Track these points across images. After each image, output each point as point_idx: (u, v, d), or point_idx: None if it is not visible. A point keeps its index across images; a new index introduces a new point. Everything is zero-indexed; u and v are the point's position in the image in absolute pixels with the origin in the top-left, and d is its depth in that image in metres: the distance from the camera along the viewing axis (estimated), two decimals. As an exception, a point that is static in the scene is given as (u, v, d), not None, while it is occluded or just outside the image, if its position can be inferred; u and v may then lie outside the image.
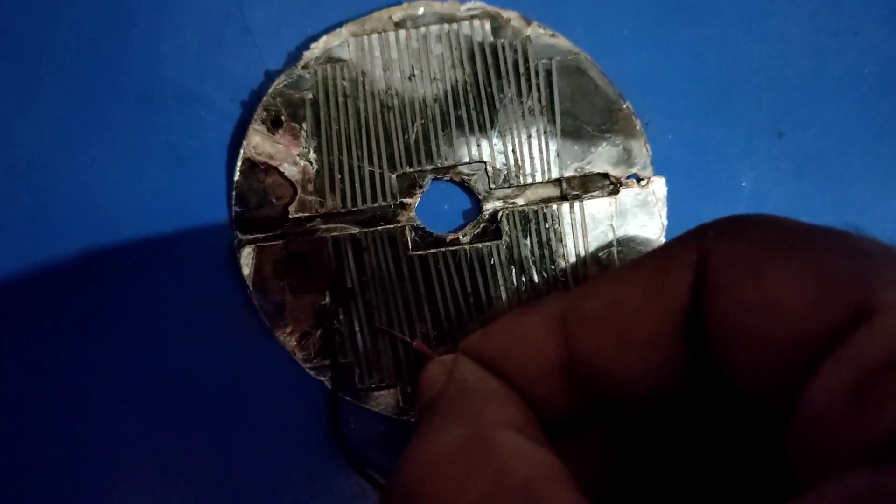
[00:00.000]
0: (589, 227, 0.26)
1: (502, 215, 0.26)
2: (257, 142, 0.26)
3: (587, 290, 0.20)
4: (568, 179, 0.26)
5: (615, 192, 0.26)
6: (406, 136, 0.26)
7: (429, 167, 0.26)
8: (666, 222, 0.26)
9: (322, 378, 0.25)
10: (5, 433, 0.25)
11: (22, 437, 0.25)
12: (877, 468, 0.12)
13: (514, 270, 0.25)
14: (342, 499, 0.26)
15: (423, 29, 0.26)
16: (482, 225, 0.26)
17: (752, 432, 0.19)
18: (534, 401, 0.20)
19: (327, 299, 0.25)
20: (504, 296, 0.25)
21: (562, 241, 0.26)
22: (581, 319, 0.20)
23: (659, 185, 0.26)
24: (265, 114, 0.26)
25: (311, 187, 0.26)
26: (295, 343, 0.25)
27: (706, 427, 0.20)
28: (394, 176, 0.26)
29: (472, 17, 0.26)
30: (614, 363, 0.19)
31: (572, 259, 0.25)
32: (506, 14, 0.26)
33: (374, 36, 0.26)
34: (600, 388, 0.19)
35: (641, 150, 0.26)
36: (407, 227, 0.26)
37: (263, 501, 0.26)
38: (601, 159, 0.26)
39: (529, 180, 0.26)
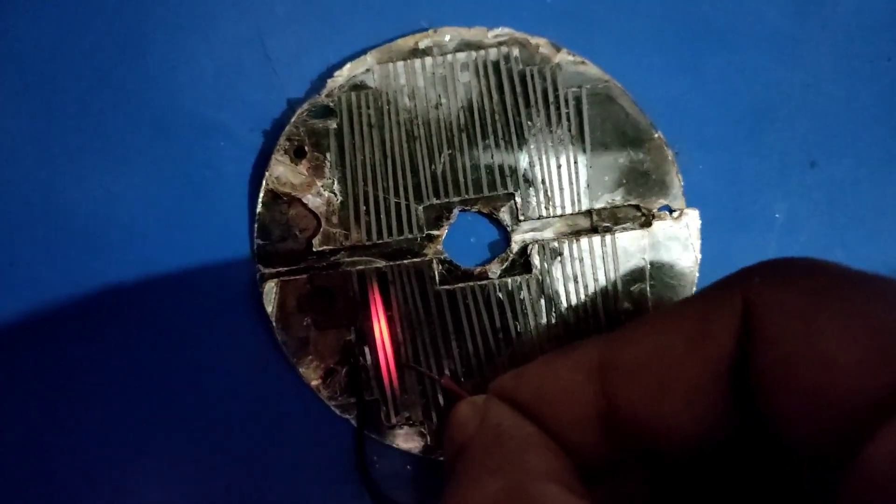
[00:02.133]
0: (621, 260, 0.25)
1: (532, 248, 0.25)
2: (280, 172, 0.25)
3: (625, 337, 0.19)
4: (598, 211, 0.25)
5: (647, 224, 0.25)
6: (433, 167, 0.25)
7: (456, 199, 0.25)
8: (700, 255, 0.25)
9: (347, 416, 0.25)
10: (26, 473, 0.25)
11: (44, 466, 0.25)
12: None
13: (544, 305, 0.25)
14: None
15: (449, 56, 0.25)
16: (511, 258, 0.25)
17: (797, 485, 0.19)
18: (569, 447, 0.20)
19: (352, 335, 0.24)
20: (534, 331, 0.25)
21: (593, 275, 0.25)
22: (620, 367, 0.19)
23: (693, 218, 0.25)
24: (288, 143, 0.25)
25: (335, 219, 0.25)
26: (319, 380, 0.25)
27: (747, 476, 0.20)
28: (420, 208, 0.25)
29: (499, 44, 0.25)
30: (655, 413, 0.18)
31: (604, 294, 0.25)
32: (534, 41, 0.25)
33: (400, 63, 0.25)
34: (639, 437, 0.19)
35: (673, 180, 0.25)
36: (434, 261, 0.25)
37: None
38: (632, 190, 0.25)
39: (559, 212, 0.25)
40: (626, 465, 0.20)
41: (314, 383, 0.25)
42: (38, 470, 0.25)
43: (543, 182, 0.25)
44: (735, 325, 0.17)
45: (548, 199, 0.25)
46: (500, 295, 0.25)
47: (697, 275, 0.25)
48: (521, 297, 0.25)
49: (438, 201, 0.25)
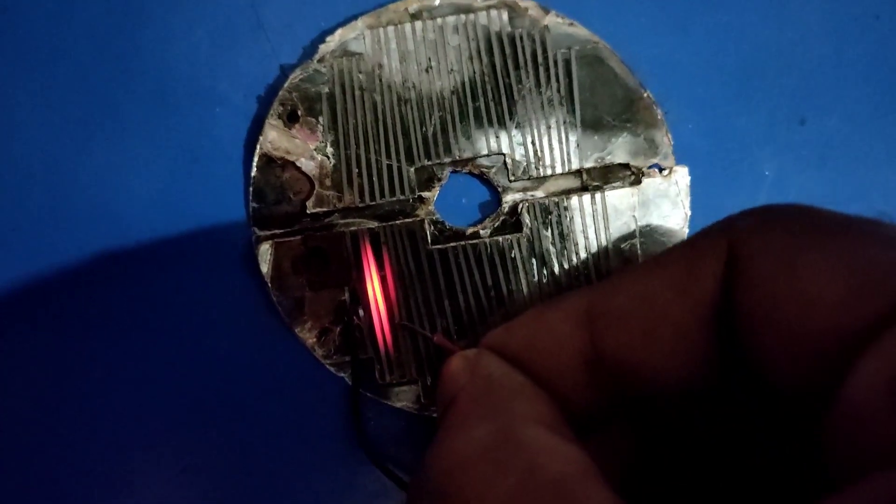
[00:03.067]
0: (611, 218, 0.25)
1: (522, 208, 0.25)
2: (274, 137, 0.25)
3: (612, 285, 0.20)
4: (588, 170, 0.26)
5: (637, 182, 0.25)
6: (424, 129, 0.25)
7: (447, 160, 0.25)
8: (689, 212, 0.25)
9: (342, 374, 0.25)
10: (25, 432, 0.25)
11: (42, 436, 0.25)
12: None
13: (535, 263, 0.25)
14: (363, 495, 0.25)
15: (439, 20, 0.25)
16: (502, 218, 0.26)
17: (782, 428, 0.19)
18: (558, 396, 0.20)
19: (346, 295, 0.25)
20: (525, 289, 0.25)
21: (583, 233, 0.25)
22: (607, 315, 0.19)
23: (682, 175, 0.25)
24: (281, 109, 0.25)
25: (328, 182, 0.25)
26: (314, 339, 0.25)
27: (733, 422, 0.20)
28: (412, 169, 0.25)
29: (488, 7, 0.25)
30: (641, 358, 0.19)
31: (594, 251, 0.25)
32: (523, 3, 0.25)
33: (391, 28, 0.25)
34: (626, 384, 0.19)
35: (663, 139, 0.26)
36: (426, 221, 0.25)
37: (284, 497, 0.25)
38: (622, 150, 0.26)
39: (549, 172, 0.25)
40: (613, 420, 0.21)
41: (309, 343, 0.25)
42: (37, 423, 0.25)
43: (533, 143, 0.25)
44: (719, 269, 0.17)
45: (538, 159, 0.25)
46: (492, 254, 0.25)
47: (687, 232, 0.25)
48: (513, 255, 0.25)
49: (430, 163, 0.25)
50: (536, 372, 0.20)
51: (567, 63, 0.25)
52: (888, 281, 0.14)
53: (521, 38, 0.25)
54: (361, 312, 0.25)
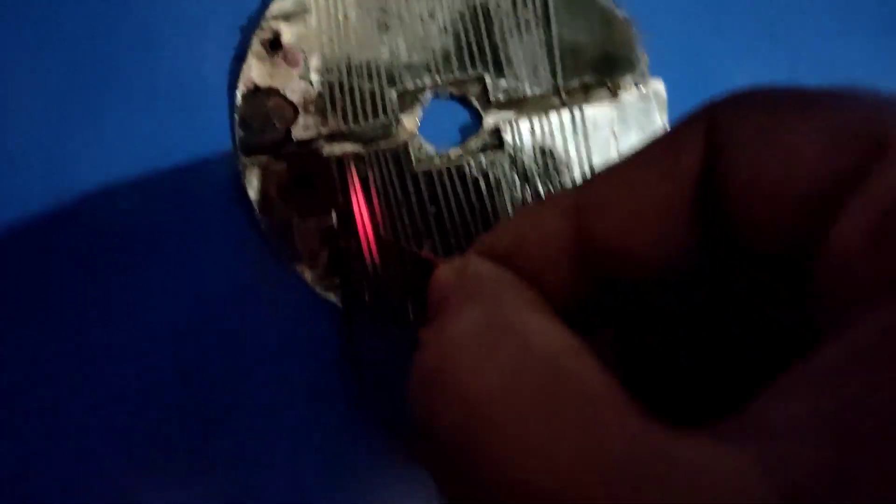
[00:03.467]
0: (590, 133, 0.26)
1: (503, 127, 0.26)
2: (257, 66, 0.26)
3: (598, 178, 0.20)
4: (567, 89, 0.26)
5: (615, 97, 0.26)
6: (404, 54, 0.26)
7: (428, 83, 0.26)
8: (667, 125, 0.26)
9: (332, 297, 0.25)
10: (14, 364, 0.25)
11: (32, 369, 0.26)
12: None
13: (518, 181, 0.26)
14: (356, 415, 0.26)
15: (415, -54, 0.26)
16: (484, 138, 0.26)
17: (765, 301, 0.19)
18: (546, 293, 0.20)
19: (333, 219, 0.25)
20: (509, 207, 0.25)
21: (564, 149, 0.26)
22: (593, 205, 0.20)
23: (658, 87, 0.26)
24: (264, 38, 0.26)
25: (312, 108, 0.26)
26: (303, 263, 0.25)
27: (716, 305, 0.20)
28: (394, 94, 0.26)
29: (463, -68, 0.26)
30: (627, 243, 0.19)
31: (576, 167, 0.26)
32: (497, -73, 0.26)
33: (368, -45, 0.26)
34: (614, 268, 0.19)
35: (639, 57, 0.26)
36: (409, 144, 0.26)
37: (276, 421, 0.26)
38: (599, 68, 0.26)
39: (528, 92, 0.26)
40: (597, 330, 0.21)
41: (298, 267, 0.25)
42: (27, 358, 0.26)
43: (511, 65, 0.26)
44: (700, 146, 0.18)
45: (517, 80, 0.26)
46: (475, 173, 0.26)
47: (666, 143, 0.26)
48: (496, 173, 0.26)
49: (412, 87, 0.26)
50: (525, 269, 0.20)
51: (543, -15, 0.26)
52: (866, 130, 0.15)
53: (497, -39, 0.26)
54: (349, 235, 0.25)
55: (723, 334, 0.20)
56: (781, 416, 0.12)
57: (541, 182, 0.26)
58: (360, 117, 0.26)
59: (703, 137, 0.18)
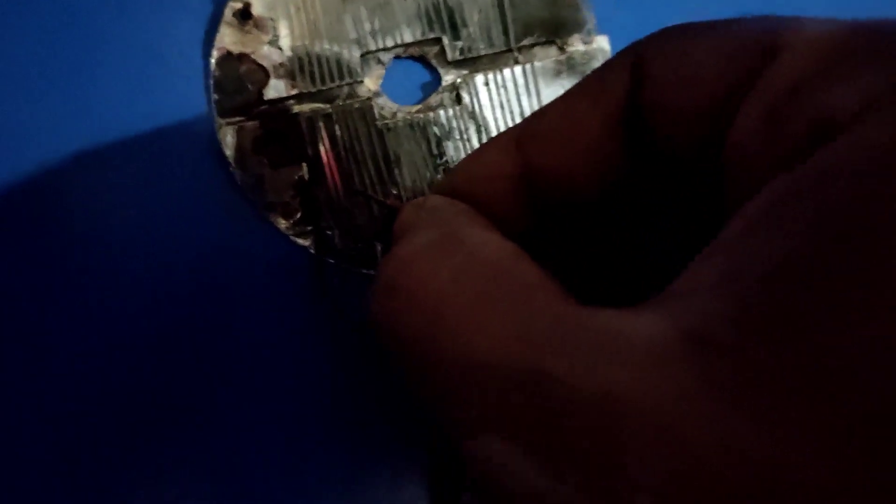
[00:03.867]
0: (541, 86, 0.28)
1: (461, 84, 0.28)
2: (229, 33, 0.28)
3: (538, 113, 0.22)
4: (520, 48, 0.28)
5: (562, 52, 0.28)
6: (367, 18, 0.28)
7: (390, 45, 0.28)
8: (611, 75, 0.28)
9: (305, 243, 0.27)
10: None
11: (13, 329, 0.27)
12: (789, 171, 0.13)
13: (474, 132, 0.28)
14: (334, 357, 0.27)
15: (374, -80, 0.28)
16: (443, 95, 0.28)
17: (692, 207, 0.21)
18: (497, 221, 0.22)
19: (304, 170, 0.27)
20: (468, 156, 0.27)
21: (518, 102, 0.28)
22: (533, 137, 0.22)
23: (602, 42, 0.28)
24: (235, 7, 0.28)
25: (282, 71, 0.28)
26: (277, 212, 0.27)
27: (646, 216, 0.22)
28: (358, 56, 0.28)
29: None
30: (564, 165, 0.21)
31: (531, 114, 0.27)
32: None
33: (330, -71, 0.28)
34: (554, 193, 0.21)
35: (586, 17, 0.28)
36: (373, 101, 0.28)
37: (257, 369, 0.27)
38: (550, 28, 0.28)
39: (483, 52, 0.28)
40: (542, 246, 0.23)
41: (272, 216, 0.27)
42: (9, 318, 0.27)
43: (466, 26, 0.28)
44: (625, 76, 0.20)
45: (472, 40, 0.28)
46: (435, 126, 0.28)
47: (611, 93, 0.28)
48: (455, 125, 0.28)
49: (374, 49, 0.28)
50: (477, 202, 0.22)
51: (493, -47, 0.28)
52: (759, 37, 0.17)
53: (450, -68, 0.28)
54: (319, 185, 0.27)
55: (656, 239, 0.22)
56: (688, 285, 0.14)
57: (496, 131, 0.27)
58: (327, 79, 0.28)
59: (628, 68, 0.20)
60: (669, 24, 0.28)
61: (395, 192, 0.27)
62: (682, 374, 0.11)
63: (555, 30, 0.28)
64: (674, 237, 0.21)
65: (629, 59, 0.20)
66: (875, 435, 0.10)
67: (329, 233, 0.27)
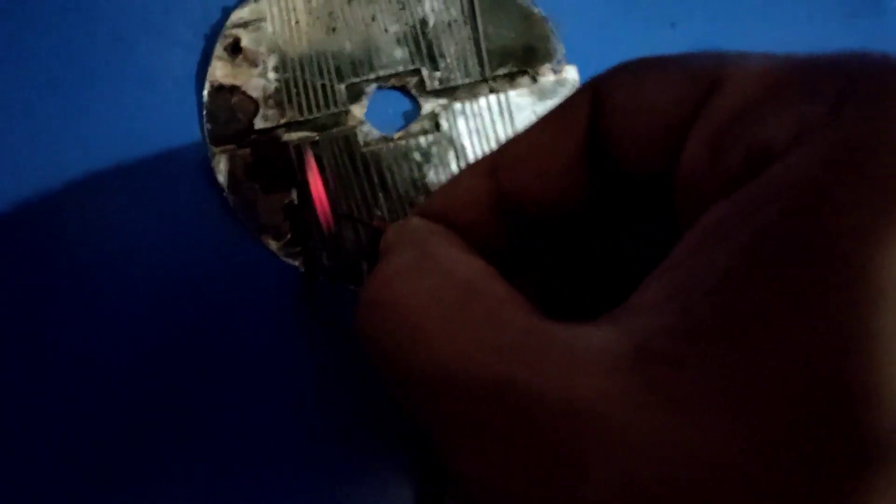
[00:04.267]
0: (514, 114, 0.30)
1: (439, 112, 0.30)
2: (220, 66, 0.29)
3: (511, 140, 0.24)
4: (495, 78, 0.30)
5: (535, 82, 0.30)
6: (350, 52, 0.30)
7: (372, 76, 0.30)
8: (580, 103, 0.30)
9: (295, 263, 0.29)
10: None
11: (10, 352, 0.29)
12: (730, 195, 0.14)
13: (453, 157, 0.29)
14: (325, 372, 0.29)
15: (356, -41, 0.30)
16: (423, 122, 0.30)
17: (652, 224, 0.23)
18: (474, 242, 0.24)
19: (294, 195, 0.29)
20: (447, 179, 0.29)
21: (493, 129, 0.30)
22: (505, 164, 0.23)
23: (571, 72, 0.30)
24: (226, 42, 0.29)
25: (271, 102, 0.29)
26: (268, 234, 0.29)
27: (614, 233, 0.24)
28: (343, 86, 0.30)
29: (397, -54, 0.30)
30: (534, 189, 0.23)
31: (503, 141, 0.29)
32: (426, -59, 0.30)
33: (315, -32, 0.30)
34: (526, 214, 0.23)
35: (556, 48, 0.30)
36: (358, 129, 0.29)
37: (249, 384, 0.29)
38: (523, 59, 0.30)
39: (460, 82, 0.30)
40: (518, 268, 0.25)
41: (264, 237, 0.29)
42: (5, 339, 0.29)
43: (444, 58, 0.30)
44: (587, 106, 0.21)
45: (449, 71, 0.30)
46: (416, 153, 0.29)
47: (580, 120, 0.30)
48: (434, 151, 0.29)
49: (358, 80, 0.30)
50: (455, 224, 0.24)
51: (468, -11, 0.30)
52: (706, 70, 0.18)
53: (428, -31, 0.30)
54: (307, 208, 0.29)
55: (624, 252, 0.24)
56: (642, 300, 0.15)
57: (473, 157, 0.29)
58: (314, 108, 0.29)
59: (589, 99, 0.21)
60: (634, 54, 0.30)
61: (378, 213, 0.29)
62: (632, 382, 0.13)
63: (527, 60, 0.30)
64: (640, 250, 0.23)
65: (590, 92, 0.22)
66: (799, 436, 0.11)
67: (317, 253, 0.29)
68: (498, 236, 0.24)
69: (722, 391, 0.12)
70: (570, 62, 0.30)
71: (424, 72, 0.30)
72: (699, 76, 0.18)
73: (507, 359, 0.15)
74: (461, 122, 0.29)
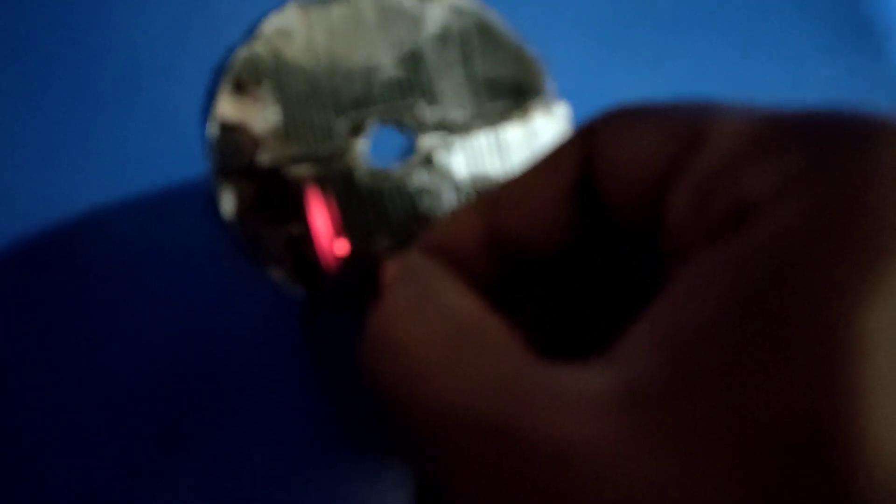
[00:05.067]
0: (508, 150, 0.31)
1: (435, 148, 0.31)
2: (225, 106, 0.31)
3: (506, 182, 0.25)
4: (489, 114, 0.31)
5: (527, 119, 0.31)
6: (350, 89, 0.31)
7: (372, 113, 0.31)
8: (570, 139, 0.31)
9: (298, 294, 0.30)
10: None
11: (15, 379, 0.30)
12: (716, 245, 0.15)
13: (450, 193, 0.31)
14: (318, 384, 0.30)
15: (356, 3, 0.31)
16: (420, 157, 0.31)
17: (641, 270, 0.24)
18: (469, 277, 0.25)
19: (296, 229, 0.30)
20: (445, 213, 0.30)
21: (486, 164, 0.31)
22: (500, 204, 0.24)
23: (562, 108, 0.31)
24: (230, 82, 0.31)
25: (275, 137, 0.31)
26: (272, 266, 0.30)
27: (605, 275, 0.25)
28: (343, 123, 0.31)
29: (395, -12, 0.31)
30: (527, 229, 0.24)
31: (497, 178, 0.31)
32: (423, -16, 0.31)
33: (317, 9, 0.31)
34: (519, 253, 0.24)
35: (547, 85, 0.31)
36: (357, 163, 0.31)
37: (252, 398, 0.30)
38: (514, 96, 0.31)
39: (456, 118, 0.31)
40: (511, 310, 0.26)
41: (268, 269, 0.30)
42: (9, 369, 0.30)
43: (440, 96, 0.31)
44: (578, 152, 0.22)
45: (445, 108, 0.31)
46: (412, 187, 0.31)
47: (570, 155, 0.31)
48: (431, 186, 0.31)
49: (358, 116, 0.31)
50: (452, 259, 0.25)
51: (463, 33, 0.31)
52: (690, 123, 0.19)
53: (426, 16, 0.31)
54: (310, 241, 0.30)
55: (614, 290, 0.25)
56: (630, 343, 0.16)
57: (470, 193, 0.31)
58: (316, 144, 0.31)
59: (580, 146, 0.23)
60: (624, 91, 0.31)
61: (378, 247, 0.30)
62: (619, 423, 0.14)
63: (519, 97, 0.31)
64: (629, 290, 0.24)
65: (580, 138, 0.23)
66: (786, 480, 0.12)
67: (319, 284, 0.30)
68: (491, 270, 0.25)
69: (709, 437, 0.13)
70: (561, 98, 0.31)
71: (421, 108, 0.31)
72: (684, 130, 0.19)
73: (501, 398, 0.16)
74: (457, 158, 0.31)
